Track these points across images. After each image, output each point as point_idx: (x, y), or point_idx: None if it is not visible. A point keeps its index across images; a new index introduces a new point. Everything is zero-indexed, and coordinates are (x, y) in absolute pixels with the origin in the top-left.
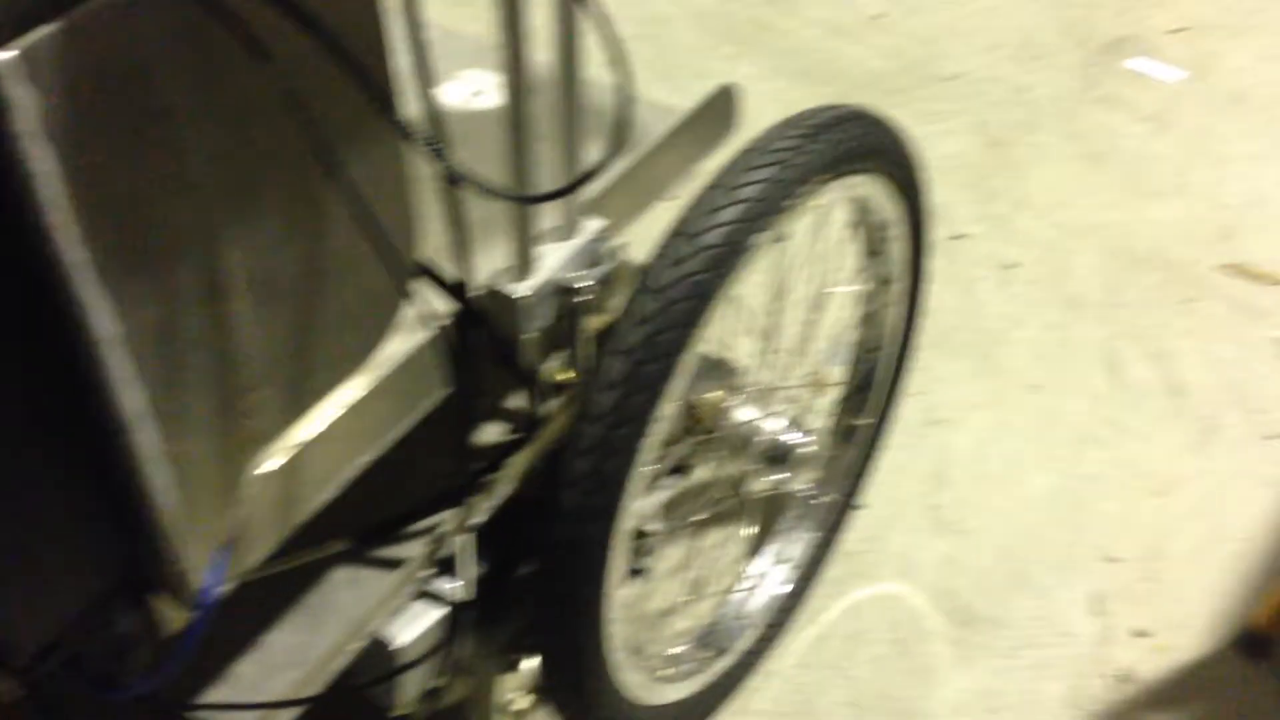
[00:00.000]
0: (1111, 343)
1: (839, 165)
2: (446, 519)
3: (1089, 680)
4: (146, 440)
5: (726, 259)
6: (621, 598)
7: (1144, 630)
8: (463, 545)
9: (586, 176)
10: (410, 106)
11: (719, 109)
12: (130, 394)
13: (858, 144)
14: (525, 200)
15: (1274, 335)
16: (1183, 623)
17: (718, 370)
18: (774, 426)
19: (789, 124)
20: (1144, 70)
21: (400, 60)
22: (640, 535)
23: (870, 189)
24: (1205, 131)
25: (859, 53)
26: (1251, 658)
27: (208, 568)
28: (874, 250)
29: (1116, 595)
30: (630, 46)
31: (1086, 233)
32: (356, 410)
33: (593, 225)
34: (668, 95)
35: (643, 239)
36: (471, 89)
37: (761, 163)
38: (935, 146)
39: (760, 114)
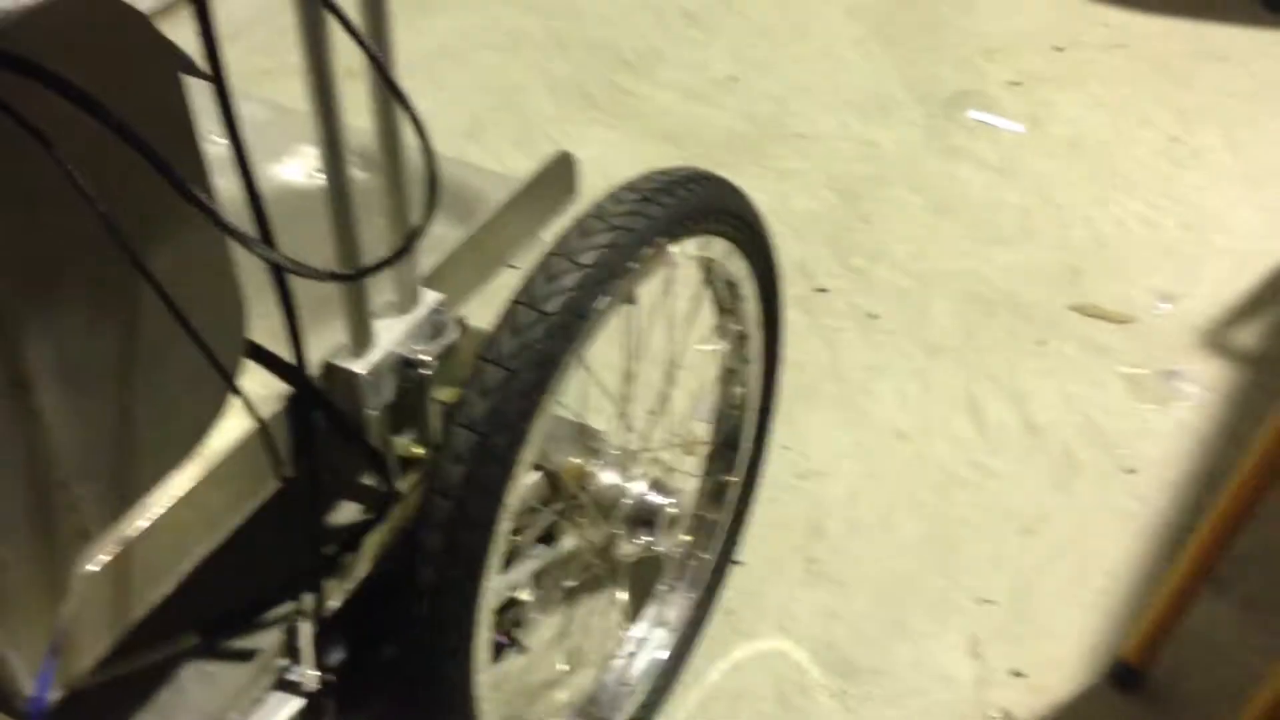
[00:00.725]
0: (971, 387)
1: (679, 227)
2: (301, 604)
3: None
4: None
5: (570, 326)
6: (498, 672)
7: (1020, 670)
8: (307, 631)
9: (403, 249)
10: (231, 187)
11: (558, 175)
12: None
13: (697, 205)
14: (343, 278)
15: (1123, 371)
16: (1056, 660)
17: (578, 435)
18: (639, 489)
19: (627, 188)
20: (985, 122)
21: (221, 140)
22: (512, 606)
23: (715, 248)
24: (1046, 179)
25: (713, 114)
26: (1124, 690)
27: (38, 674)
28: (727, 308)
29: (991, 637)
30: (489, 115)
31: (941, 281)
32: (189, 500)
33: (432, 297)
34: (527, 162)
35: (490, 308)
36: (310, 165)
37: (600, 228)
38: (791, 203)
39: (619, 176)
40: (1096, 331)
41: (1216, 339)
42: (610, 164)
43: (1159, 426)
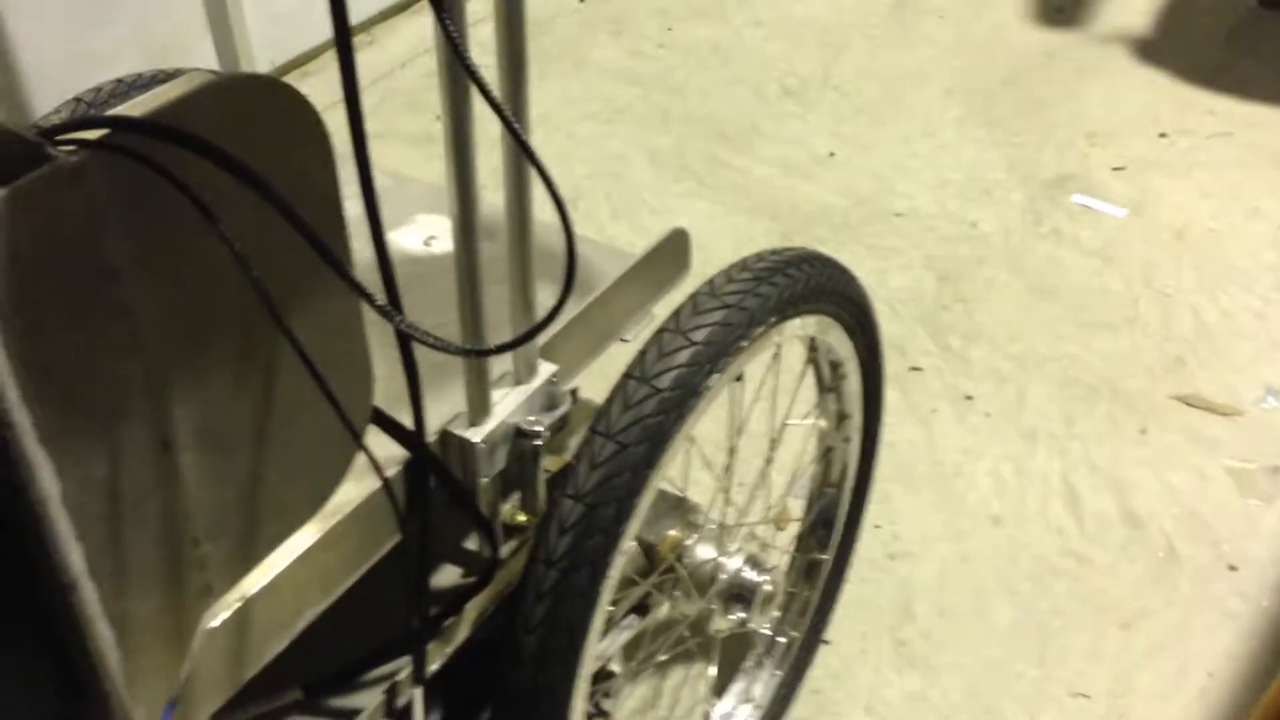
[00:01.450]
0: (1069, 474)
1: (790, 307)
2: (402, 666)
3: None
4: (90, 599)
5: (680, 402)
6: None
7: None
8: (409, 693)
9: (535, 330)
10: (361, 255)
11: (672, 251)
12: (73, 553)
13: (809, 285)
14: (475, 354)
15: (1228, 465)
16: None
17: (676, 509)
18: (734, 564)
19: (741, 267)
20: (1088, 206)
21: (351, 209)
22: (602, 677)
23: (822, 328)
24: (1150, 266)
25: (812, 190)
26: None
27: None
28: (829, 386)
29: None
30: (589, 184)
31: (1039, 364)
32: (308, 560)
33: (547, 369)
34: (626, 231)
35: (599, 379)
36: (426, 234)
37: (713, 305)
38: (888, 281)
39: (717, 248)
40: (1201, 423)
41: None
42: (708, 236)
43: (1265, 523)
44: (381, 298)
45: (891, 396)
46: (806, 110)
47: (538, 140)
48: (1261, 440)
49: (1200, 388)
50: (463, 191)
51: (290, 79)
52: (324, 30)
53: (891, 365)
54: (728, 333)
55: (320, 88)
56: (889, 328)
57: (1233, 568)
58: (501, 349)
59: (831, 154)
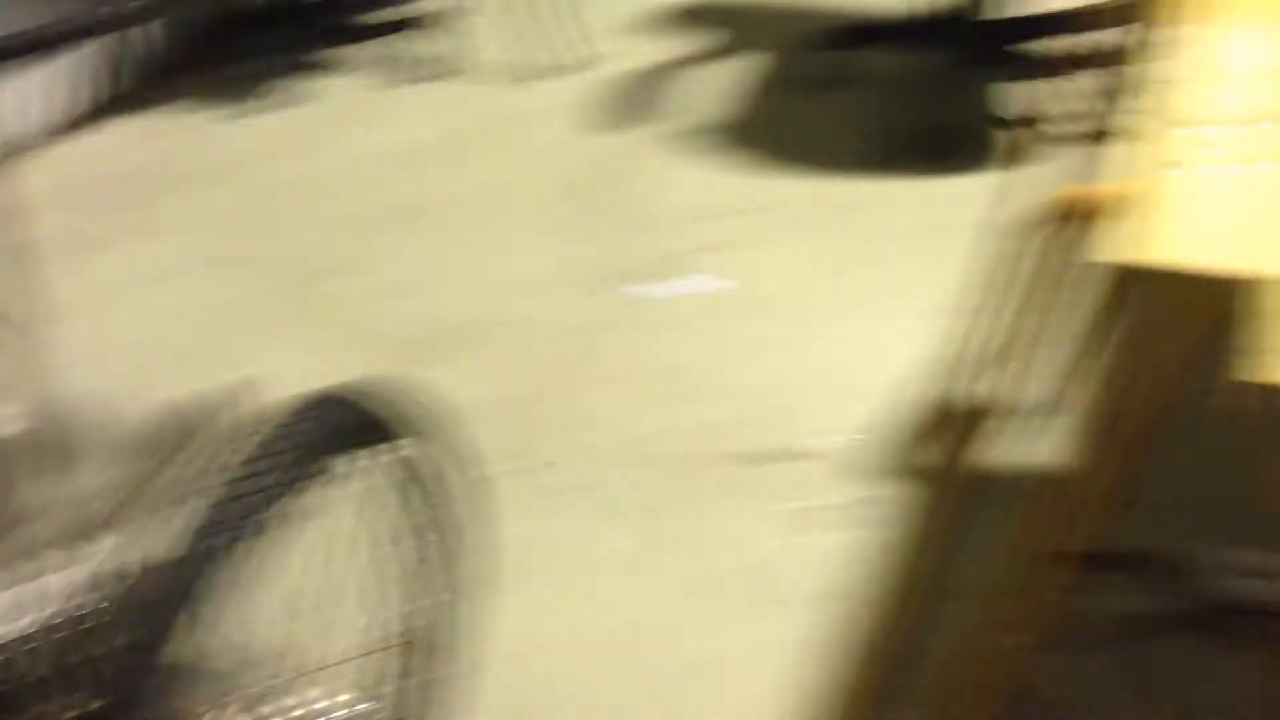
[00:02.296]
0: (666, 543)
1: (336, 446)
2: None
3: None
4: None
5: (213, 569)
6: None
7: None
8: None
9: None
10: None
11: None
12: None
13: (353, 420)
14: None
15: (795, 507)
16: None
17: (242, 671)
18: (326, 705)
19: (271, 417)
20: (673, 288)
21: None
22: None
23: (386, 455)
24: (729, 335)
25: (406, 313)
26: None
27: None
28: (408, 511)
29: None
30: (196, 338)
31: (640, 444)
32: None
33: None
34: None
35: None
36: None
37: (245, 471)
38: (492, 389)
39: (314, 384)
40: (774, 473)
41: (876, 463)
42: (307, 372)
43: (826, 552)
44: None
45: (501, 498)
46: (406, 237)
47: (140, 299)
48: (823, 478)
49: (771, 441)
50: None
51: None
52: None
53: (500, 468)
54: (268, 486)
55: None
56: (496, 434)
57: (803, 600)
58: None
59: (433, 273)
